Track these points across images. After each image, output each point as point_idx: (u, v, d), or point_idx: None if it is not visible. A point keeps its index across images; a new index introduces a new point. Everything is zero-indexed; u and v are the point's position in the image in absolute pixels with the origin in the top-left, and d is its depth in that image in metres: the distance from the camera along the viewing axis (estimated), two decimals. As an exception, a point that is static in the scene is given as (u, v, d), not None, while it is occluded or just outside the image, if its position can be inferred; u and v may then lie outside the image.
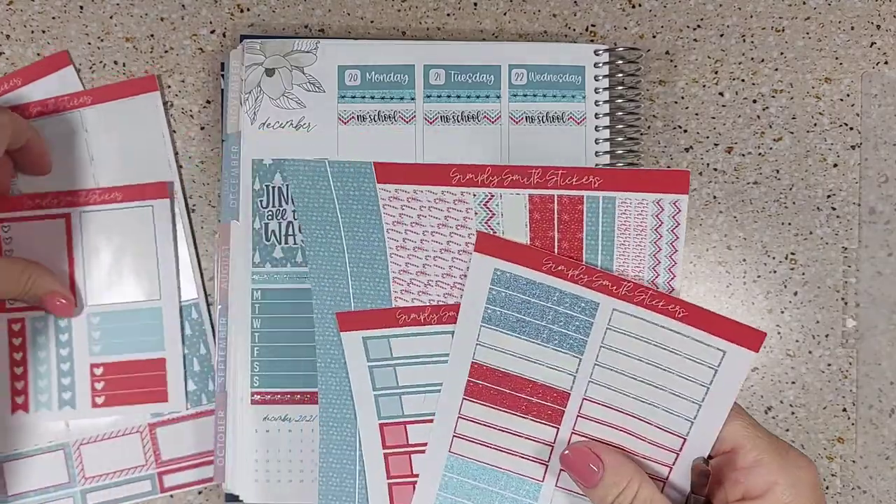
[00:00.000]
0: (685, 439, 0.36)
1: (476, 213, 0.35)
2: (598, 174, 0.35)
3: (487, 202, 0.35)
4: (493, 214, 0.35)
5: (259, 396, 0.46)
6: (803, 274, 0.49)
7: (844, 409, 0.49)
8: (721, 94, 0.50)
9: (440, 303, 0.37)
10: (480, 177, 0.35)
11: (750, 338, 0.35)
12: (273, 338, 0.47)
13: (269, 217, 0.47)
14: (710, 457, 0.36)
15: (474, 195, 0.35)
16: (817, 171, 0.50)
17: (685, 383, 0.36)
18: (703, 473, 0.35)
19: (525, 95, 0.48)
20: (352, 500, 0.39)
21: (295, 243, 0.47)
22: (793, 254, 0.50)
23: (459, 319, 0.37)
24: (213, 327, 0.48)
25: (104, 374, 0.47)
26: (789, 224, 0.50)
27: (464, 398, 0.38)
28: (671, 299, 0.35)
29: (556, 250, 0.36)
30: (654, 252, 0.36)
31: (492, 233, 0.36)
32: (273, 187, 0.47)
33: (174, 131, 0.49)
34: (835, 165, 0.50)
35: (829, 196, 0.50)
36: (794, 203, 0.50)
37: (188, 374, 0.48)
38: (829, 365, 0.49)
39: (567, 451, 0.36)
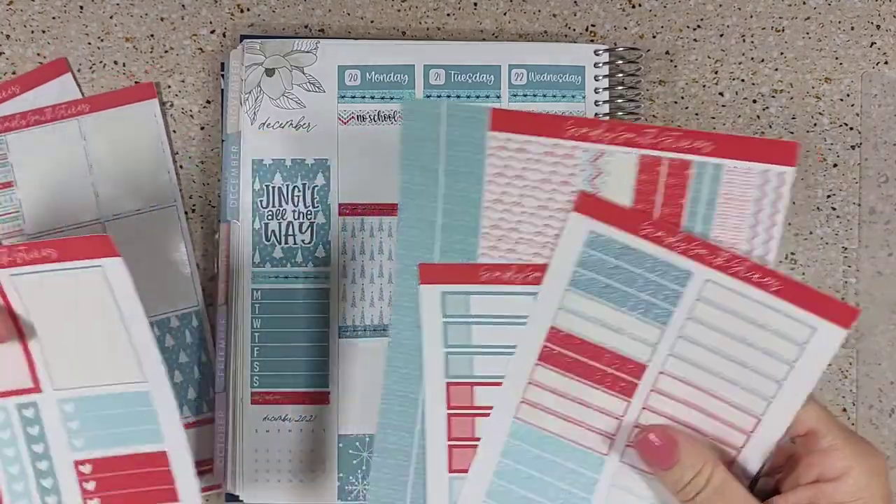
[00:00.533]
0: (759, 420, 0.35)
1: (582, 170, 0.35)
2: (710, 138, 0.35)
3: (597, 159, 0.35)
4: (600, 172, 0.35)
5: (259, 396, 0.46)
6: (803, 274, 0.49)
7: (844, 409, 0.49)
8: (721, 94, 0.50)
9: (527, 262, 0.36)
10: (595, 131, 0.34)
11: (843, 314, 0.35)
12: (273, 338, 0.47)
13: (269, 217, 0.47)
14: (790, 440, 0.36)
15: (585, 150, 0.34)
16: (817, 171, 0.50)
17: (769, 361, 0.35)
18: (786, 454, 0.35)
19: (525, 95, 0.48)
20: (408, 459, 0.38)
21: (295, 243, 0.47)
22: (793, 254, 0.50)
23: (545, 281, 0.36)
24: (213, 331, 0.48)
25: (94, 473, 0.37)
26: (789, 224, 0.50)
27: (537, 363, 0.37)
28: (767, 271, 0.35)
29: (656, 214, 0.35)
30: (753, 224, 0.35)
31: (595, 192, 0.35)
32: (273, 187, 0.47)
33: (174, 131, 0.49)
34: (835, 165, 0.50)
35: (829, 196, 0.50)
36: (794, 203, 0.50)
37: (188, 382, 0.47)
38: (829, 365, 0.49)
39: (641, 434, 0.36)
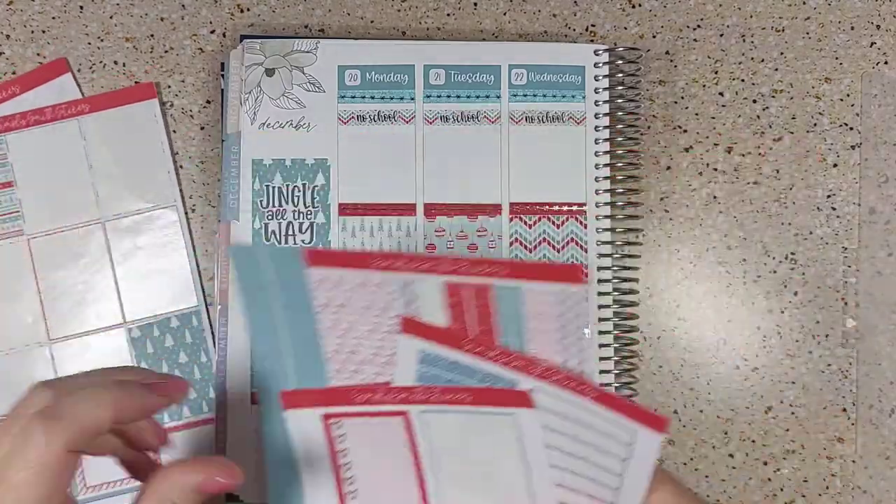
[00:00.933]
0: None
1: (397, 297, 0.37)
2: (503, 265, 0.37)
3: (407, 286, 0.37)
4: (415, 298, 0.37)
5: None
6: (803, 274, 0.49)
7: (844, 409, 0.49)
8: (721, 94, 0.50)
9: (372, 381, 0.37)
10: (398, 263, 0.37)
11: (656, 421, 0.37)
12: (273, 338, 0.47)
13: (269, 217, 0.47)
14: None
15: (394, 280, 0.37)
16: (817, 171, 0.50)
17: (604, 458, 0.37)
18: None
19: (525, 95, 0.48)
20: None
21: (295, 243, 0.47)
22: (793, 254, 0.50)
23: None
24: (212, 330, 0.48)
25: None
26: (789, 224, 0.50)
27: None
28: (582, 381, 0.37)
29: (473, 332, 0.38)
30: (562, 338, 0.38)
31: (414, 316, 0.37)
32: (273, 187, 0.47)
33: (174, 131, 0.49)
34: (835, 165, 0.50)
35: (829, 196, 0.50)
36: (794, 203, 0.50)
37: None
38: (829, 365, 0.49)
39: None
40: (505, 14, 0.50)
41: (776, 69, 0.50)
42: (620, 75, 0.48)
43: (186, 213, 0.49)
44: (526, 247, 0.48)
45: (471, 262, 0.37)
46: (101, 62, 0.49)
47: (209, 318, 0.48)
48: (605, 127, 0.48)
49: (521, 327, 0.38)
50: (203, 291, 0.48)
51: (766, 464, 0.49)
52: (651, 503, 0.37)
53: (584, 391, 0.37)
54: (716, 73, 0.50)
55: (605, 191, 0.48)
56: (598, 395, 0.37)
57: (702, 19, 0.50)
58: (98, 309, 0.47)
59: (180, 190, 0.48)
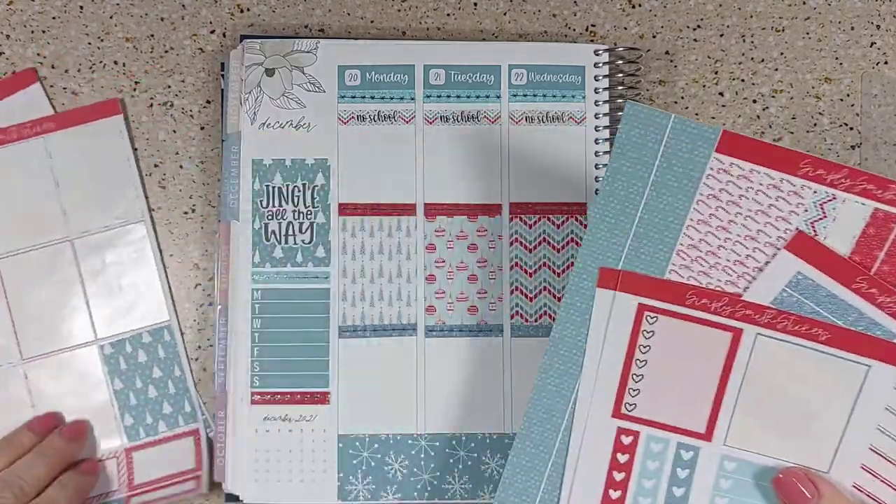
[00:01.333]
0: None
1: (806, 210, 0.34)
2: None
3: (826, 202, 0.33)
4: (824, 216, 0.34)
5: (259, 396, 0.46)
6: (803, 274, 0.49)
7: (844, 409, 0.49)
8: (721, 94, 0.50)
9: (719, 288, 0.35)
10: (831, 175, 0.33)
11: None
12: (273, 338, 0.47)
13: (269, 217, 0.47)
14: None
15: (815, 191, 0.33)
16: (817, 171, 0.50)
17: None
18: None
19: (525, 95, 0.48)
20: (549, 453, 0.36)
21: (295, 243, 0.47)
22: (793, 254, 0.50)
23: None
24: (185, 348, 0.48)
25: None
26: (789, 224, 0.50)
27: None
28: None
29: (874, 271, 0.34)
30: None
31: (812, 234, 0.34)
32: (273, 187, 0.47)
33: (174, 131, 0.49)
34: (835, 165, 0.50)
35: (829, 196, 0.50)
36: (794, 203, 0.50)
37: (163, 397, 0.47)
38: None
39: (781, 475, 0.35)
40: (505, 14, 0.50)
41: (776, 69, 0.50)
42: (620, 75, 0.48)
43: (155, 228, 0.49)
44: (526, 247, 0.48)
45: None
46: (101, 62, 0.49)
47: (181, 331, 0.48)
48: (605, 127, 0.48)
49: None
50: (174, 305, 0.48)
51: (766, 464, 0.49)
52: None
53: None
54: (716, 73, 0.50)
55: (606, 191, 0.48)
56: None
57: (702, 19, 0.50)
58: (70, 327, 0.47)
59: (148, 205, 0.48)
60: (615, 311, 0.35)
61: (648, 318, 0.35)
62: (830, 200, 0.34)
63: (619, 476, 0.36)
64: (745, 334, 0.34)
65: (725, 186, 0.34)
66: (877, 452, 0.35)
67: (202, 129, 0.49)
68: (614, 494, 0.36)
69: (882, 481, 0.35)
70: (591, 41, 0.50)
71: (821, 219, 0.34)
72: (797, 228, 0.34)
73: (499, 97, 0.48)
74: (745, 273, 0.34)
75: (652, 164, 0.34)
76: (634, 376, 0.35)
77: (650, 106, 0.35)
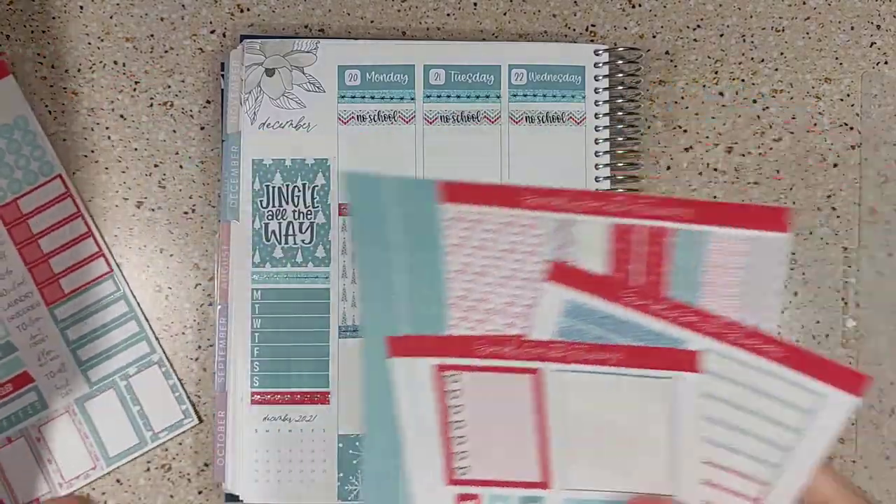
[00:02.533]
0: (769, 487, 0.33)
1: (549, 239, 0.33)
2: (690, 206, 0.32)
3: (563, 228, 0.33)
4: (568, 241, 0.33)
5: (259, 396, 0.46)
6: (803, 274, 0.49)
7: (844, 409, 0.49)
8: (721, 94, 0.50)
9: (501, 332, 0.34)
10: (555, 200, 0.32)
11: (854, 381, 0.33)
12: (273, 338, 0.47)
13: (269, 217, 0.47)
14: None
15: (548, 220, 0.32)
16: (817, 171, 0.50)
17: (775, 429, 0.33)
18: None
19: (525, 95, 0.48)
20: None
21: (295, 243, 0.47)
22: (793, 254, 0.50)
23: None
24: (214, 330, 0.48)
25: None
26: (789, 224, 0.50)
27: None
28: (768, 338, 0.32)
29: (635, 283, 0.33)
30: (745, 293, 0.33)
31: (564, 261, 0.33)
32: (273, 187, 0.47)
33: (174, 131, 0.49)
34: (835, 165, 0.50)
35: (829, 196, 0.50)
36: (794, 203, 0.50)
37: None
38: (829, 365, 0.49)
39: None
40: (505, 14, 0.50)
41: (776, 69, 0.50)
42: (620, 75, 0.48)
43: (186, 213, 0.49)
44: (526, 247, 0.48)
45: (650, 202, 0.32)
46: (101, 62, 0.49)
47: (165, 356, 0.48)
48: (605, 127, 0.48)
49: (695, 279, 0.33)
50: (204, 292, 0.48)
51: (766, 464, 0.49)
52: (816, 487, 0.33)
53: (768, 351, 0.32)
54: (716, 73, 0.50)
55: (605, 191, 0.48)
56: (785, 353, 0.32)
57: (702, 19, 0.50)
58: None
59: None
60: (414, 378, 0.34)
61: (448, 377, 0.34)
62: (568, 225, 0.33)
63: None
64: (542, 373, 0.33)
65: (464, 233, 0.33)
66: (713, 465, 0.33)
67: (202, 129, 0.49)
68: None
69: (730, 492, 0.34)
70: (591, 41, 0.50)
71: (568, 244, 0.33)
72: (548, 259, 0.33)
73: (499, 97, 0.48)
74: (520, 313, 0.33)
75: (391, 226, 0.33)
76: (456, 439, 0.34)
77: (366, 171, 0.34)
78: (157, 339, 0.48)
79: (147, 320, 0.48)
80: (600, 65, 0.48)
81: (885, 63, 0.50)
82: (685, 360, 0.33)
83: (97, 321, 0.48)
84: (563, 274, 0.33)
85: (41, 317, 0.48)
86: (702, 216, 0.32)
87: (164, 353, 0.48)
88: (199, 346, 0.48)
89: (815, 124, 0.50)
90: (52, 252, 0.48)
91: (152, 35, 0.49)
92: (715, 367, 0.33)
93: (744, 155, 0.50)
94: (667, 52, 0.50)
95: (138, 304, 0.48)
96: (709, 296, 0.33)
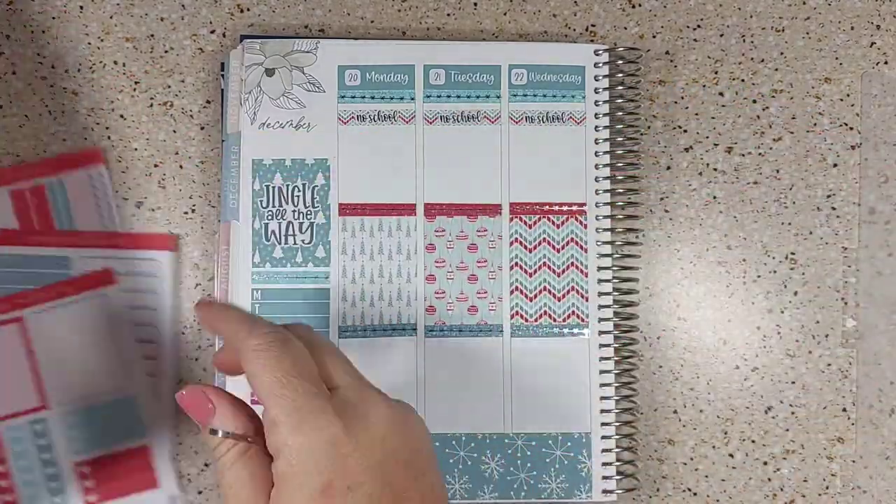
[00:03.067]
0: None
1: None
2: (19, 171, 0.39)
3: None
4: None
5: (259, 396, 0.46)
6: (803, 274, 0.49)
7: (844, 409, 0.49)
8: (721, 94, 0.50)
9: None
10: None
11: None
12: (273, 338, 0.47)
13: (269, 217, 0.47)
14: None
15: None
16: (817, 171, 0.50)
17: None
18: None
19: (525, 95, 0.48)
20: None
21: (295, 243, 0.47)
22: (793, 254, 0.50)
23: None
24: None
25: (91, 472, 0.46)
26: (789, 224, 0.50)
27: None
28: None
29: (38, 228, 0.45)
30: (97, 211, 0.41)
31: None
32: (273, 187, 0.47)
33: (174, 131, 0.49)
34: (835, 165, 0.50)
35: (829, 196, 0.50)
36: (794, 203, 0.50)
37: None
38: (829, 365, 0.49)
39: (183, 392, 0.34)
40: (505, 14, 0.50)
41: (776, 69, 0.50)
42: (620, 75, 0.48)
43: (185, 213, 0.49)
44: (526, 247, 0.48)
45: None
46: (101, 62, 0.49)
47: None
48: (605, 127, 0.48)
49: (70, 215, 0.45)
50: (205, 293, 0.48)
51: (766, 464, 0.49)
52: (255, 386, 0.31)
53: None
54: (716, 73, 0.50)
55: (605, 191, 0.48)
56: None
57: (702, 19, 0.50)
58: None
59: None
60: None
61: None
62: None
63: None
64: (27, 319, 0.46)
65: None
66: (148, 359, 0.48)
67: (202, 129, 0.49)
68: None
69: None
70: (591, 41, 0.50)
71: None
72: None
73: (499, 97, 0.48)
74: None
75: None
76: None
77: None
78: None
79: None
80: (600, 65, 0.48)
81: (885, 63, 0.50)
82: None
83: None
84: None
85: None
86: (51, 169, 0.42)
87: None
88: (199, 346, 0.48)
89: (815, 124, 0.50)
90: None
91: (152, 35, 0.49)
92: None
93: (744, 155, 0.50)
94: (667, 52, 0.50)
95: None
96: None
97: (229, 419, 0.33)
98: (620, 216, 0.49)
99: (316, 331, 0.35)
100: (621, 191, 0.48)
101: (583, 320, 0.48)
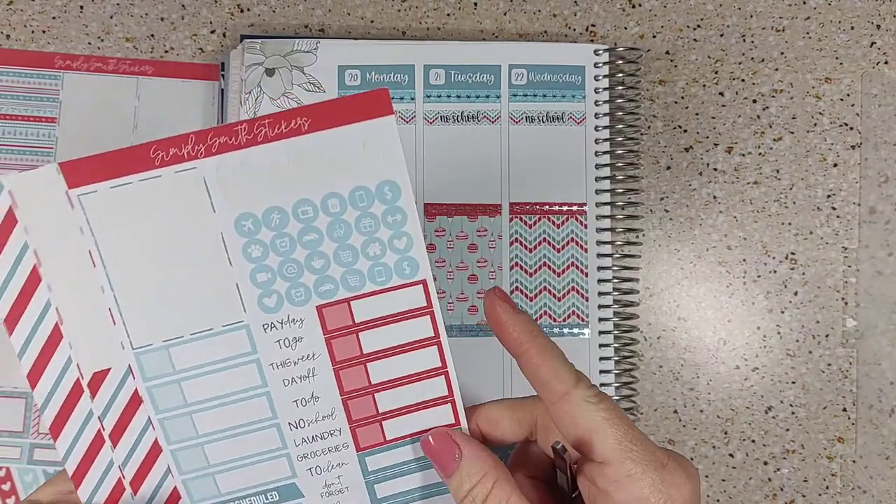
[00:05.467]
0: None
1: (209, 189, 0.31)
2: (304, 113, 0.31)
3: (215, 172, 0.31)
4: (223, 184, 0.31)
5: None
6: (803, 274, 0.49)
7: (844, 409, 0.49)
8: (721, 94, 0.50)
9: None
10: (185, 148, 0.30)
11: (378, 103, 0.32)
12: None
13: (269, 217, 0.47)
14: (564, 447, 0.32)
15: (189, 170, 0.31)
16: (817, 171, 0.50)
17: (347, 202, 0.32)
18: (557, 455, 0.32)
19: (525, 95, 0.48)
20: None
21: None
22: (793, 254, 0.50)
23: None
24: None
25: None
26: (789, 224, 0.50)
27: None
28: (289, 113, 0.31)
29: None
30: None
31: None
32: (273, 187, 0.47)
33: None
34: (835, 165, 0.50)
35: (829, 196, 0.50)
36: (794, 203, 0.50)
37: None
38: (829, 365, 0.49)
39: (430, 438, 0.33)
40: (505, 14, 0.50)
41: (776, 69, 0.50)
42: (620, 75, 0.48)
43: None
44: (526, 247, 0.48)
45: (271, 121, 0.31)
46: (101, 62, 0.49)
47: None
48: (605, 127, 0.48)
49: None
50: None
51: (766, 464, 0.49)
52: (595, 447, 0.31)
53: (297, 127, 0.31)
54: (716, 73, 0.50)
55: (605, 191, 0.48)
56: (311, 119, 0.31)
57: (702, 19, 0.50)
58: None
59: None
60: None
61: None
62: (214, 169, 0.31)
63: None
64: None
65: (111, 215, 0.31)
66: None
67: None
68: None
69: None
70: (591, 41, 0.50)
71: (216, 187, 0.31)
72: (216, 208, 0.31)
73: (499, 97, 0.48)
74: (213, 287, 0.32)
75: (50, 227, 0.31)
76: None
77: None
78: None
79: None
80: (600, 65, 0.48)
81: (885, 63, 0.50)
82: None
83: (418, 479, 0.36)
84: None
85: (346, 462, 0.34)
86: (317, 122, 0.31)
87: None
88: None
89: (815, 124, 0.50)
90: (385, 384, 0.34)
91: (152, 35, 0.49)
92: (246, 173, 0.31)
93: (744, 155, 0.50)
94: (667, 52, 0.50)
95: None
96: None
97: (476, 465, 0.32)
98: (620, 216, 0.49)
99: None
100: (621, 191, 0.48)
101: (583, 320, 0.48)
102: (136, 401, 0.32)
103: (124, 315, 0.31)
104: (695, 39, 0.50)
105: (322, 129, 0.31)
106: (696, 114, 0.50)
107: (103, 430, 0.32)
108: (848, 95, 0.50)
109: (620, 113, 0.48)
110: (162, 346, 0.31)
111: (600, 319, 0.48)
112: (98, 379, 0.32)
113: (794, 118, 0.50)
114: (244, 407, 0.32)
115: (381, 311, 0.32)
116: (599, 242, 0.48)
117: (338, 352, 0.32)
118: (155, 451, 0.32)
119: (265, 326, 0.32)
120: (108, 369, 0.32)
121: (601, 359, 0.47)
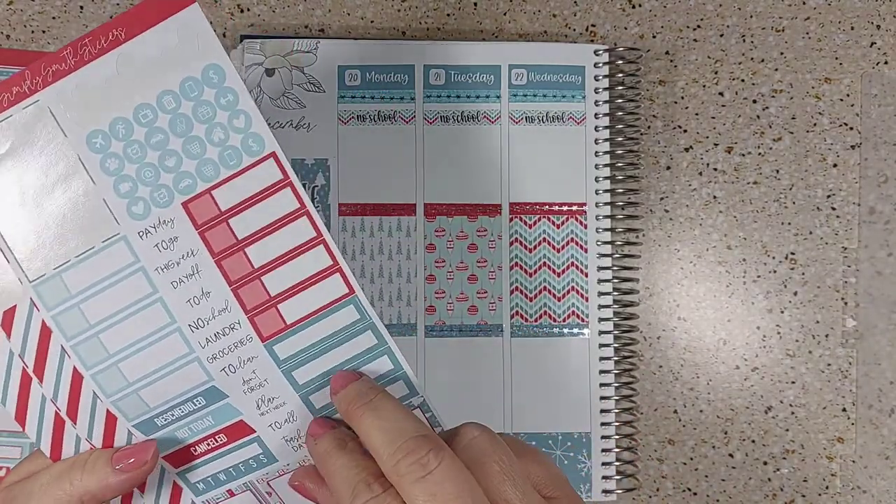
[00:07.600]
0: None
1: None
2: (119, 24, 0.32)
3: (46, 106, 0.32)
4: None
5: (259, 396, 0.46)
6: (803, 274, 0.49)
7: (844, 409, 0.49)
8: (721, 94, 0.50)
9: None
10: (25, 85, 0.32)
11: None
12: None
13: (269, 217, 0.47)
14: None
15: (34, 103, 0.32)
16: (817, 171, 0.50)
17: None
18: None
19: (525, 95, 0.48)
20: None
21: (295, 243, 0.47)
22: (793, 254, 0.50)
23: None
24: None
25: None
26: (789, 224, 0.50)
27: None
28: (104, 27, 0.32)
29: None
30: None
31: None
32: (273, 187, 0.47)
33: (174, 131, 0.49)
34: (835, 165, 0.50)
35: (829, 196, 0.50)
36: (794, 203, 0.50)
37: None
38: (829, 365, 0.49)
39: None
40: (505, 14, 0.50)
41: (776, 69, 0.50)
42: (620, 75, 0.48)
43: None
44: (526, 247, 0.48)
45: (90, 40, 0.32)
46: (101, 62, 0.49)
47: None
48: (605, 127, 0.48)
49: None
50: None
51: (766, 464, 0.49)
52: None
53: (115, 39, 0.32)
54: (716, 73, 0.50)
55: (605, 191, 0.48)
56: (123, 28, 0.32)
57: (702, 19, 0.50)
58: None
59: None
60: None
61: None
62: (61, 92, 0.33)
63: None
64: None
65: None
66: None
67: (202, 129, 0.49)
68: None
69: None
70: (591, 41, 0.50)
71: (61, 113, 0.32)
72: (66, 133, 0.32)
73: (499, 97, 0.48)
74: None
75: None
76: None
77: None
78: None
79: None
80: (600, 65, 0.48)
81: (885, 63, 0.50)
82: None
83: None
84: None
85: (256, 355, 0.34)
86: (131, 28, 0.32)
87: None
88: (199, 346, 0.48)
89: (815, 124, 0.50)
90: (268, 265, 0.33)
91: (152, 35, 0.49)
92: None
93: (744, 155, 0.50)
94: (667, 52, 0.50)
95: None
96: None
97: None
98: (620, 216, 0.49)
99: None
100: (621, 191, 0.48)
101: (583, 320, 0.48)
102: (46, 332, 0.33)
103: (15, 252, 0.32)
104: (695, 39, 0.50)
105: (138, 34, 0.32)
106: (696, 114, 0.50)
107: (27, 367, 0.33)
108: (848, 95, 0.50)
109: (620, 113, 0.48)
110: (54, 273, 0.32)
111: (600, 319, 0.48)
112: (8, 317, 0.33)
113: (793, 118, 0.50)
114: (144, 317, 0.33)
115: (242, 194, 0.33)
116: (599, 242, 0.48)
117: (214, 243, 0.33)
118: (77, 378, 0.33)
119: (140, 234, 0.32)
120: (14, 306, 0.33)
121: (601, 359, 0.47)
